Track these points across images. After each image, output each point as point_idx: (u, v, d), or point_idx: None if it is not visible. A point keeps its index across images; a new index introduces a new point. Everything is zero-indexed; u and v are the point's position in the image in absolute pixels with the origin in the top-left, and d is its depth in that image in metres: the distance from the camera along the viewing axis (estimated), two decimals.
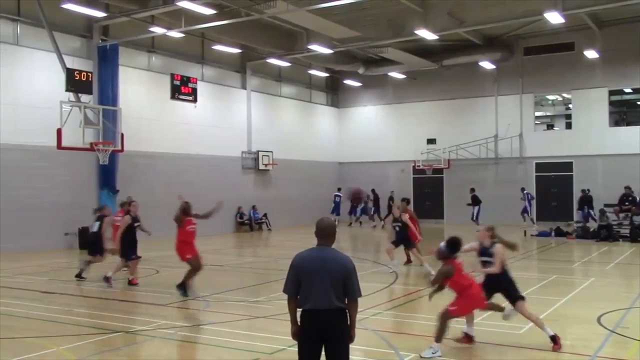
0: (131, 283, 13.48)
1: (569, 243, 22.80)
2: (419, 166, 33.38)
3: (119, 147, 20.48)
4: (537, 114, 33.38)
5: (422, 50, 29.47)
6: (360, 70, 32.36)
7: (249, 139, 30.46)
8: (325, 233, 5.40)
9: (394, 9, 23.85)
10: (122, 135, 20.37)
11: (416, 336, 8.91)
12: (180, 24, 21.44)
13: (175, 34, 23.21)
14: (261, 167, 30.63)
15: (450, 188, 33.07)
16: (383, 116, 36.07)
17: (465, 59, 30.40)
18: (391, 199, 31.16)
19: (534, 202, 29.94)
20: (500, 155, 32.12)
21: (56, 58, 20.16)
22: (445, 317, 8.06)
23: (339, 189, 33.19)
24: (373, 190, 32.79)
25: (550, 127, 37.37)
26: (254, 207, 29.92)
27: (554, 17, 21.39)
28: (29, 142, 20.58)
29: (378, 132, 35.70)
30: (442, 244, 8.30)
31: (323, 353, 5.31)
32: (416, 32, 23.29)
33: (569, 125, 32.91)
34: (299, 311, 5.36)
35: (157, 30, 22.97)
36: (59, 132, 18.20)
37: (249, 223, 29.32)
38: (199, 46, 27.79)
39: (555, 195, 30.73)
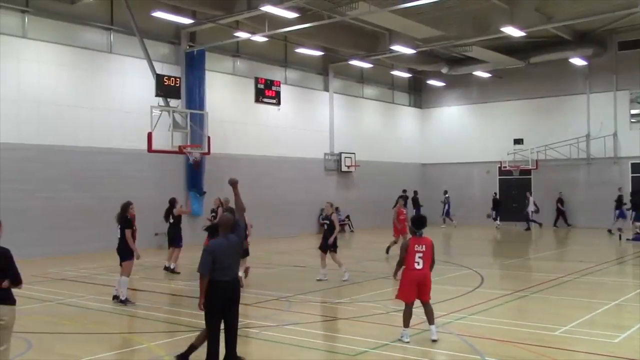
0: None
1: None
2: (505, 167, 32.43)
3: (206, 150, 21.02)
4: (633, 111, 31.67)
5: (508, 47, 28.65)
6: (444, 70, 31.84)
7: (332, 140, 30.59)
8: (227, 225, 7.11)
9: (478, 7, 23.32)
10: (209, 138, 20.89)
11: (502, 342, 8.63)
12: (264, 28, 21.79)
13: (259, 38, 23.63)
14: (344, 168, 30.70)
15: (539, 189, 31.93)
16: (467, 116, 35.33)
17: (554, 55, 29.27)
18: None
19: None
20: (592, 155, 30.75)
21: (146, 64, 20.90)
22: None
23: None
24: (405, 191, 31.77)
25: None
26: (336, 208, 29.93)
27: None
28: (121, 145, 21.51)
29: (462, 133, 35.00)
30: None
31: None
32: (502, 29, 22.65)
33: None
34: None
35: (242, 35, 23.48)
36: (149, 135, 18.83)
37: None
38: (282, 50, 28.19)
39: None
